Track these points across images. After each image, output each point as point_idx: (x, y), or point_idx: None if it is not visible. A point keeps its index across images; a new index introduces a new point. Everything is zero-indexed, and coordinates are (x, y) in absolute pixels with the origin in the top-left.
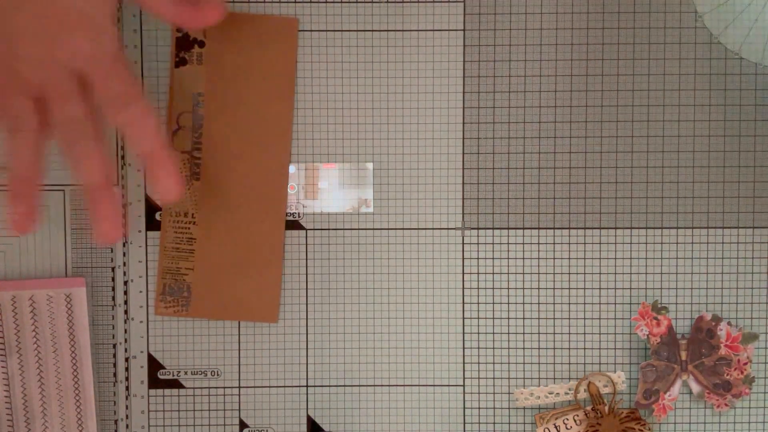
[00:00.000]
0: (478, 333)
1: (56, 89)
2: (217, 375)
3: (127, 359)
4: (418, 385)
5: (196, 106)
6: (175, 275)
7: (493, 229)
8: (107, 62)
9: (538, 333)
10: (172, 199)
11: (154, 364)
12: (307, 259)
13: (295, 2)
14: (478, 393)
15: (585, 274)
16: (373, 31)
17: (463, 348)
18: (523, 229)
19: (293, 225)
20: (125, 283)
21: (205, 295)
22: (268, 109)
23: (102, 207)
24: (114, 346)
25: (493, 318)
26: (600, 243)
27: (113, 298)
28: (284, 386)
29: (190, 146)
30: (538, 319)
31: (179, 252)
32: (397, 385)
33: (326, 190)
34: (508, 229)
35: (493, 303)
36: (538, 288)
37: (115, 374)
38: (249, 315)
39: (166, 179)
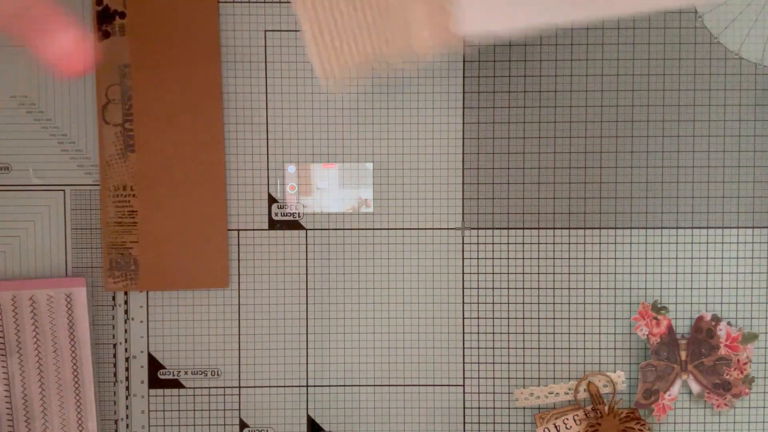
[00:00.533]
0: (478, 333)
1: None
2: (217, 375)
3: (127, 359)
4: (418, 385)
5: (123, 78)
6: (120, 250)
7: (493, 229)
8: None
9: (538, 333)
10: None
11: (154, 364)
12: (307, 259)
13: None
14: (478, 393)
15: (585, 274)
16: None
17: (463, 348)
18: (523, 229)
19: (293, 225)
20: None
21: (152, 268)
22: (196, 74)
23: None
24: (114, 346)
25: (493, 318)
26: (600, 243)
27: (113, 298)
28: (284, 386)
29: (121, 119)
30: (538, 319)
31: (122, 226)
32: (397, 385)
33: (326, 190)
34: (508, 229)
35: (493, 303)
36: (538, 288)
37: (115, 374)
38: (199, 283)
39: None
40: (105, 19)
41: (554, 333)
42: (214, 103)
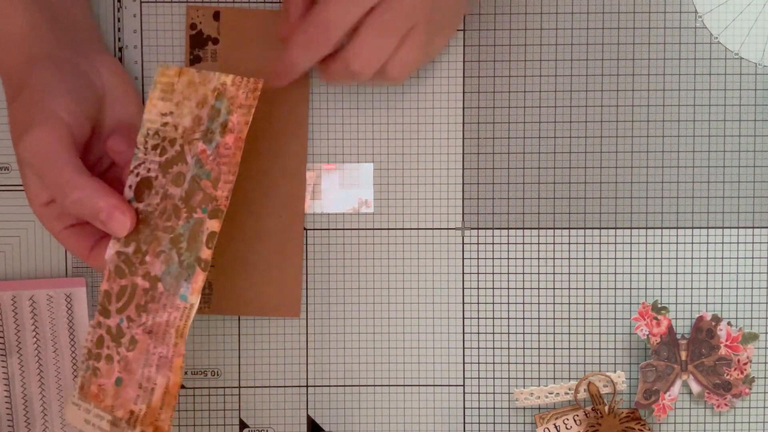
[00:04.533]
0: (478, 333)
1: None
2: (217, 375)
3: None
4: (418, 385)
5: None
6: None
7: (493, 229)
8: None
9: (538, 333)
10: None
11: None
12: (307, 259)
13: None
14: (478, 393)
15: (585, 274)
16: None
17: (463, 348)
18: (523, 229)
19: None
20: None
21: (226, 292)
22: (284, 104)
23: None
24: None
25: (493, 318)
26: (600, 243)
27: None
28: (284, 386)
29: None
30: (538, 319)
31: None
32: (397, 385)
33: (326, 190)
34: (508, 229)
35: (493, 303)
36: (538, 288)
37: None
38: (270, 311)
39: None
40: (198, 44)
41: (554, 333)
42: (299, 131)
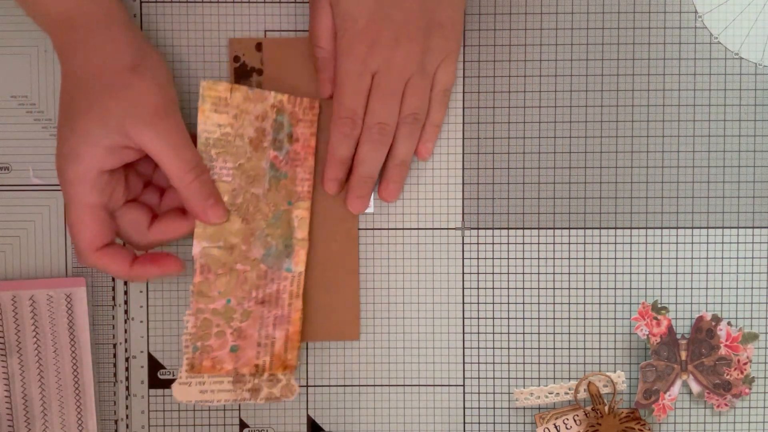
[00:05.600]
0: (478, 333)
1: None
2: None
3: (127, 359)
4: (418, 385)
5: None
6: None
7: (493, 229)
8: None
9: (538, 333)
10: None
11: (154, 364)
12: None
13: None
14: (478, 393)
15: (585, 274)
16: None
17: (463, 348)
18: (523, 229)
19: None
20: (125, 282)
21: None
22: (328, 127)
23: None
24: (114, 346)
25: (493, 318)
26: (600, 243)
27: (113, 298)
28: None
29: None
30: (538, 319)
31: None
32: (397, 385)
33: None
34: (508, 229)
35: (493, 303)
36: (538, 288)
37: (115, 374)
38: (332, 335)
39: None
40: (242, 76)
41: (554, 333)
42: None
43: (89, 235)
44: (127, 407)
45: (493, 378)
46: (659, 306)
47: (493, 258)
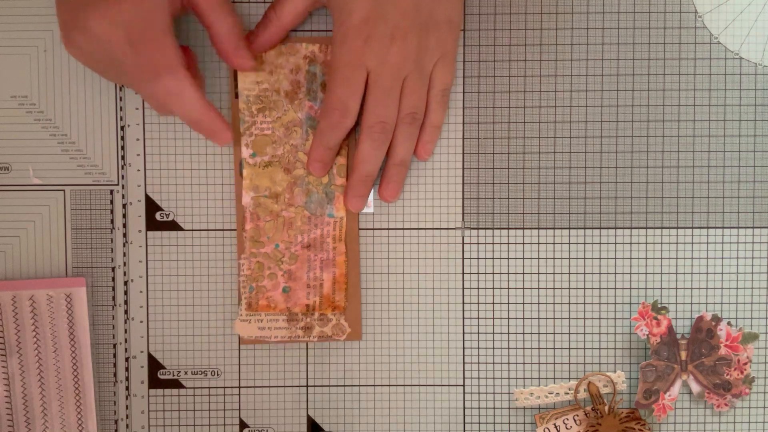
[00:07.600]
0: (478, 333)
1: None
2: (217, 375)
3: (127, 359)
4: (418, 385)
5: None
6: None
7: (493, 229)
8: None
9: (538, 333)
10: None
11: (154, 364)
12: None
13: None
14: (478, 393)
15: (585, 274)
16: None
17: (463, 348)
18: (523, 229)
19: None
20: (125, 282)
21: None
22: None
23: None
24: (114, 346)
25: (493, 318)
26: (600, 243)
27: (113, 298)
28: (284, 386)
29: None
30: (538, 319)
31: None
32: (397, 385)
33: None
34: (508, 229)
35: (493, 303)
36: (538, 288)
37: (115, 374)
38: (337, 336)
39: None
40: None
41: (554, 333)
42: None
43: (174, 48)
44: (127, 407)
45: (493, 378)
46: (659, 306)
47: (493, 258)
